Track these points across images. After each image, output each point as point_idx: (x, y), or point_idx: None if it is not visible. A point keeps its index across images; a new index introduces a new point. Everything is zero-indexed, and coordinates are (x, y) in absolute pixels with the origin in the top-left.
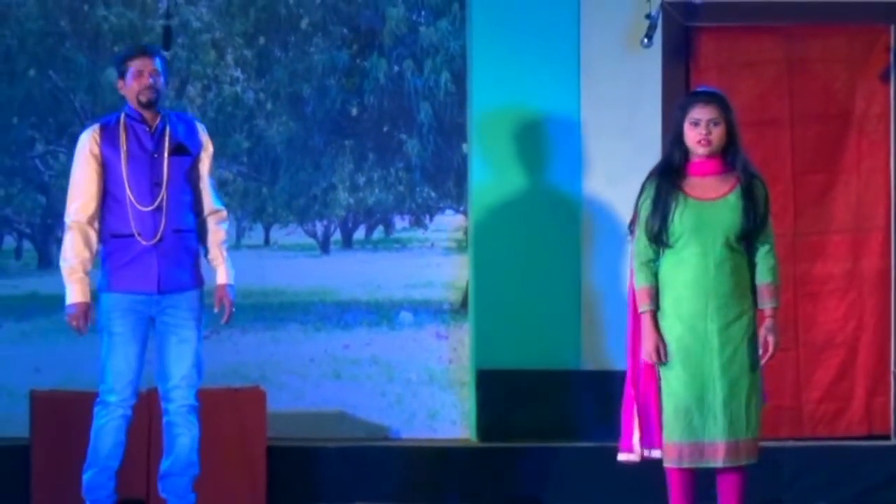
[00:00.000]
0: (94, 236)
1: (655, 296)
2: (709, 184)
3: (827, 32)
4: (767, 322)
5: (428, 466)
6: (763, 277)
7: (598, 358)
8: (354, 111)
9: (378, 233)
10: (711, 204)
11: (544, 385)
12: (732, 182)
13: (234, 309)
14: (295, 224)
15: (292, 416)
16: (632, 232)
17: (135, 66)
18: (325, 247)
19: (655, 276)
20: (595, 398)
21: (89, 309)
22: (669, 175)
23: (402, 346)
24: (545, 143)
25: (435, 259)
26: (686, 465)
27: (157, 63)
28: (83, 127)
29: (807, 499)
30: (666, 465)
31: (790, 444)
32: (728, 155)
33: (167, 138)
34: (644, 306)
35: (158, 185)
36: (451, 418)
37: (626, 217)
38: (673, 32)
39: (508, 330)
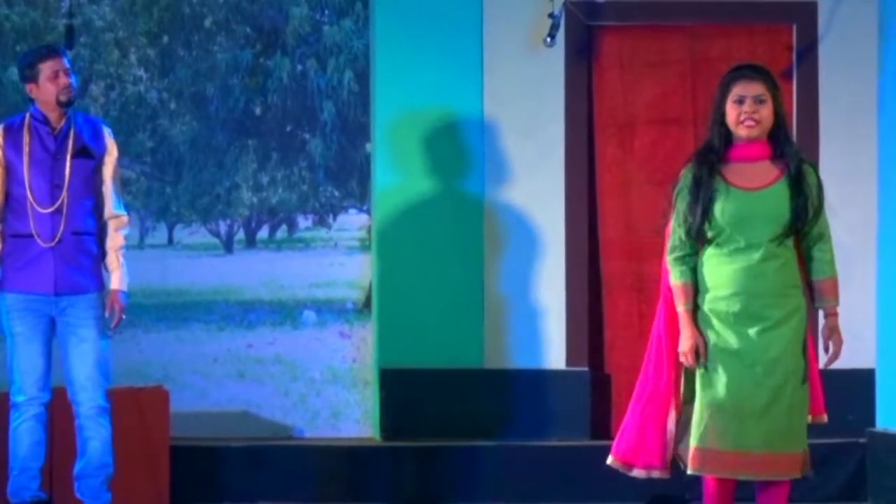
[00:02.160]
0: None
1: (693, 293)
2: (754, 171)
3: (730, 32)
4: (830, 321)
5: (331, 465)
6: (820, 273)
7: (501, 357)
8: (258, 110)
9: (281, 232)
10: (757, 194)
11: (447, 384)
12: (780, 168)
13: (124, 315)
14: (198, 223)
15: (196, 416)
16: (665, 224)
17: (47, 67)
18: (228, 246)
19: (693, 271)
20: (497, 397)
21: None
22: (709, 161)
23: (305, 345)
24: (448, 143)
25: (338, 258)
26: (707, 472)
27: (68, 62)
28: None
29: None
30: (690, 471)
31: None
32: (775, 138)
33: (71, 140)
34: (680, 304)
35: (59, 187)
36: (355, 417)
37: (530, 216)
38: (576, 31)
39: (411, 329)
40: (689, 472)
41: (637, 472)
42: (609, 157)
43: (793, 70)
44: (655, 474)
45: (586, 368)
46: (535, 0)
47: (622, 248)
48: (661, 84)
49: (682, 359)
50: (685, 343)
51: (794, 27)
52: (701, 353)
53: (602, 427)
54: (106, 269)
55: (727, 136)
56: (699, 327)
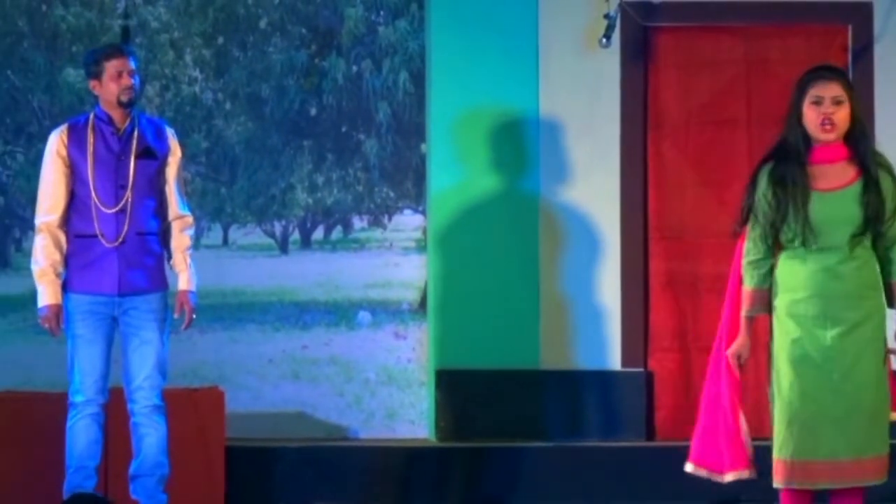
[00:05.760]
0: (63, 238)
1: (762, 300)
2: (831, 172)
3: (785, 33)
4: None
5: (386, 466)
6: (894, 275)
7: (557, 358)
8: (313, 111)
9: (337, 233)
10: (835, 195)
11: (503, 385)
12: (857, 169)
13: (194, 315)
14: (253, 224)
15: (251, 417)
16: (740, 231)
17: (112, 66)
18: (283, 247)
19: (766, 277)
20: (553, 398)
21: (61, 310)
22: (788, 162)
23: (360, 346)
24: (504, 143)
25: (394, 259)
26: (796, 485)
27: (133, 63)
28: (48, 128)
29: (764, 497)
30: (775, 484)
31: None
32: (851, 138)
33: (135, 141)
34: (746, 310)
35: (123, 187)
36: (410, 418)
37: (585, 216)
38: (631, 32)
39: (467, 330)
40: (774, 485)
41: (729, 477)
42: (664, 157)
43: (848, 71)
44: (745, 476)
45: (642, 369)
46: (591, 1)
47: (677, 247)
48: (717, 85)
49: (728, 355)
50: (734, 346)
51: (850, 28)
52: (742, 360)
53: (657, 428)
54: (172, 269)
55: (805, 136)
56: (777, 330)
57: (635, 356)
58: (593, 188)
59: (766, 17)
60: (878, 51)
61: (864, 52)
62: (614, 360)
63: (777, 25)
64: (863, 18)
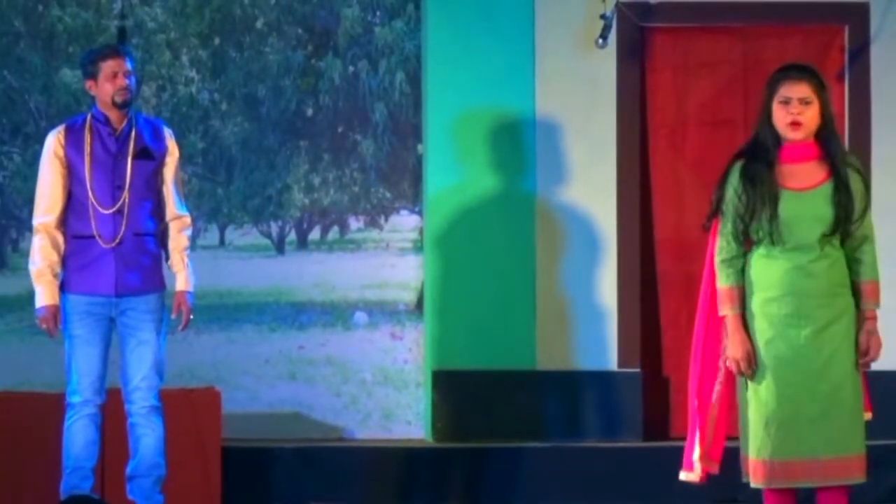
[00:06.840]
0: (61, 238)
1: (741, 298)
2: (802, 171)
3: (782, 33)
4: (868, 324)
5: (383, 467)
6: (863, 275)
7: (554, 358)
8: (309, 111)
9: (333, 233)
10: (805, 195)
11: (499, 385)
12: (827, 170)
13: (192, 316)
14: (250, 225)
15: (247, 417)
16: (709, 226)
17: (108, 67)
18: (280, 247)
19: (740, 274)
20: (550, 398)
21: (58, 311)
22: (759, 161)
23: (357, 346)
24: (500, 144)
25: (390, 260)
26: (776, 485)
27: (130, 63)
28: (45, 128)
29: (761, 497)
30: (754, 485)
31: None
32: (822, 138)
33: (132, 141)
34: (727, 309)
35: (120, 188)
36: (406, 419)
37: (582, 217)
38: (628, 33)
39: (463, 330)
40: (753, 485)
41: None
42: (661, 157)
43: (845, 71)
44: (692, 478)
45: (638, 370)
46: (588, 1)
47: (673, 248)
48: (713, 85)
49: (731, 366)
50: (737, 350)
51: (846, 28)
52: (752, 361)
53: (654, 429)
54: (170, 270)
55: (776, 135)
56: (749, 330)
57: (632, 356)
58: (590, 189)
59: (763, 17)
60: (875, 51)
61: (860, 52)
62: (611, 360)
63: (774, 26)
64: (859, 19)
